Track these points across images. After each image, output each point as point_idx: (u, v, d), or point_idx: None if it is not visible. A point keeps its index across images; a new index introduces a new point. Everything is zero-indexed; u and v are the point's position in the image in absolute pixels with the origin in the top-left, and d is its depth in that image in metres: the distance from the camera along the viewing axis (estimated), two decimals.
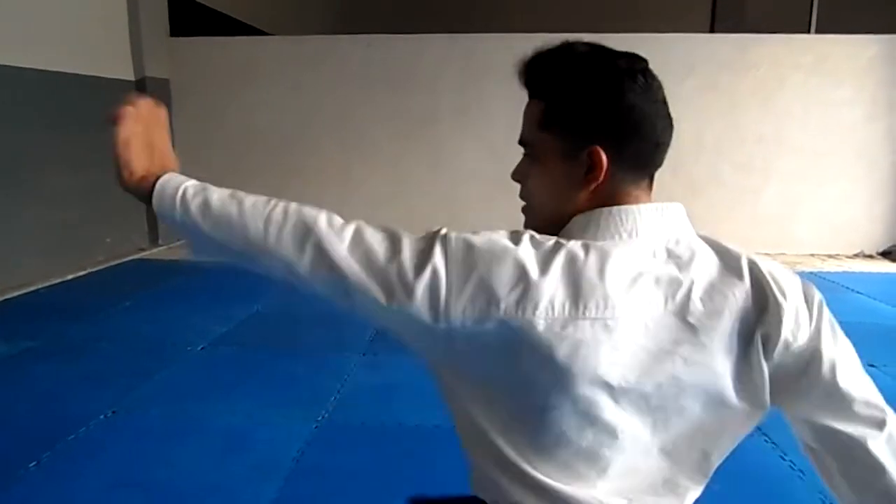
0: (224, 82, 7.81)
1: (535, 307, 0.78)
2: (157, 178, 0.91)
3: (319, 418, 3.12)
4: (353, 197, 7.95)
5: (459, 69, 7.75)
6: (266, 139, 7.79)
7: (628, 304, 0.80)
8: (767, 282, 0.85)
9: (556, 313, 0.78)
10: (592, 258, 0.81)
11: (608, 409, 0.82)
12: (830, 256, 7.54)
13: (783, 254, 7.52)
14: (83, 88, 6.31)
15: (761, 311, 0.83)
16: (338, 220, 0.87)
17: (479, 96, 7.72)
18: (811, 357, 0.85)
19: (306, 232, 0.84)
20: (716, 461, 0.90)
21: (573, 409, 0.81)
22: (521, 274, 0.79)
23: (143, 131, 0.96)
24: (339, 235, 0.84)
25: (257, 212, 0.86)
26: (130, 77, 7.13)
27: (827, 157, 7.58)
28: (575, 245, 0.82)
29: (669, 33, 7.56)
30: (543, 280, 0.79)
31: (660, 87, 0.89)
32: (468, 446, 0.91)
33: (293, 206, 0.87)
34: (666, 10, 12.23)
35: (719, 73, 7.54)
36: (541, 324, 0.78)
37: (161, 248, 7.35)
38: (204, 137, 7.62)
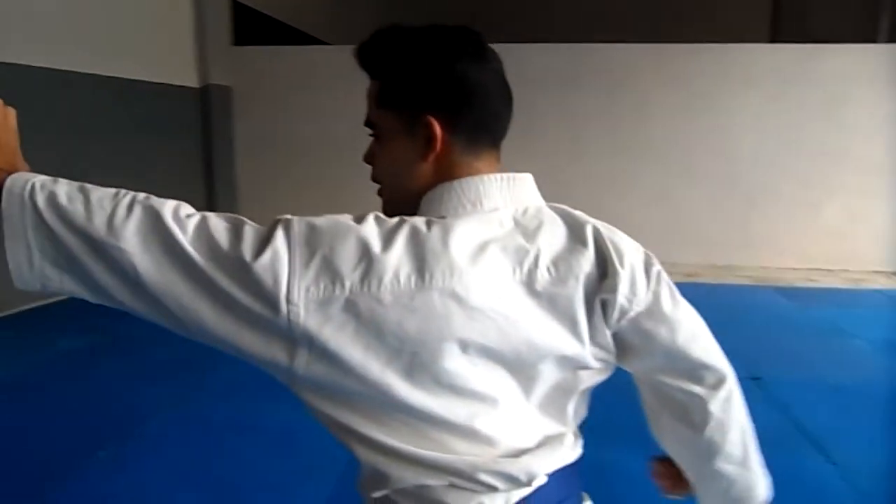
0: (282, 90, 8.00)
1: (380, 281, 0.76)
2: (7, 175, 0.81)
3: None
4: None
5: (509, 79, 7.76)
6: (320, 146, 7.87)
7: (476, 274, 0.79)
8: (609, 249, 0.86)
9: (402, 286, 0.76)
10: (436, 230, 0.80)
11: (474, 379, 0.82)
12: (895, 274, 7.28)
13: (846, 270, 7.30)
14: (151, 95, 6.57)
15: (602, 277, 0.85)
16: (185, 210, 0.82)
17: (530, 107, 7.72)
18: (650, 321, 0.89)
19: (152, 222, 0.78)
20: (576, 410, 0.95)
21: (438, 385, 0.80)
22: (365, 250, 0.77)
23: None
24: (183, 225, 0.78)
25: (104, 203, 0.79)
26: (195, 84, 7.39)
27: (892, 173, 7.33)
28: (419, 220, 0.81)
29: (728, 43, 7.44)
30: (387, 254, 0.77)
31: (495, 58, 0.90)
32: (352, 448, 0.86)
33: (141, 196, 0.82)
34: (724, 19, 12.01)
35: (780, 84, 7.37)
36: (387, 298, 0.76)
37: None
38: (263, 143, 7.82)
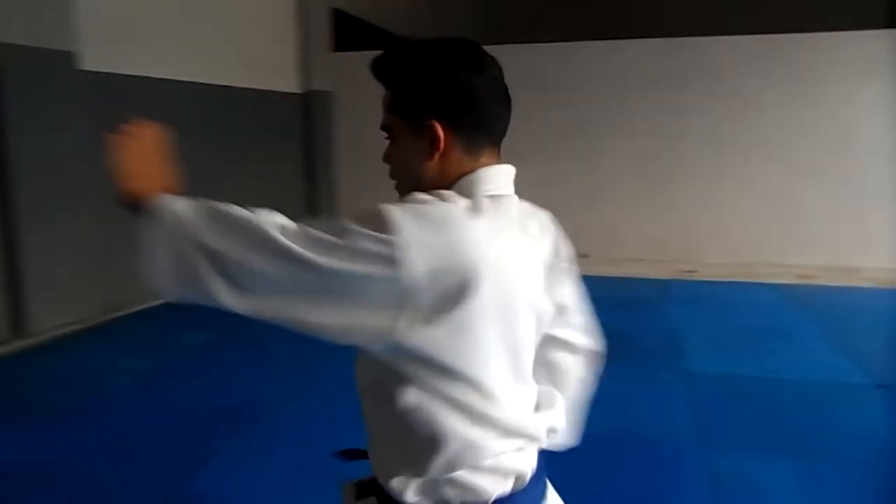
0: (379, 94, 8.16)
1: (481, 247, 0.87)
2: (156, 194, 0.97)
3: None
4: None
5: (609, 77, 7.61)
6: None
7: (519, 243, 0.96)
8: (558, 234, 1.10)
9: (493, 251, 0.88)
10: (492, 204, 0.95)
11: (532, 334, 1.00)
12: None
13: None
14: (257, 102, 6.87)
15: (556, 253, 1.08)
16: (288, 222, 0.90)
17: (630, 105, 7.54)
18: (571, 287, 1.16)
19: (262, 236, 0.87)
20: None
21: (518, 337, 0.96)
22: (463, 223, 0.88)
23: (143, 153, 1.03)
24: (291, 235, 0.86)
25: (226, 222, 0.91)
26: (297, 90, 7.66)
27: None
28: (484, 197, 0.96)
29: (842, 31, 7.01)
30: (478, 222, 0.90)
31: (493, 66, 0.99)
32: (442, 426, 0.92)
33: (254, 216, 0.92)
34: (836, 4, 11.31)
35: None
36: (492, 259, 0.88)
37: None
38: (362, 146, 8.00)
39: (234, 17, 6.56)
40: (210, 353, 4.35)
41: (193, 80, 6.03)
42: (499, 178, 1.00)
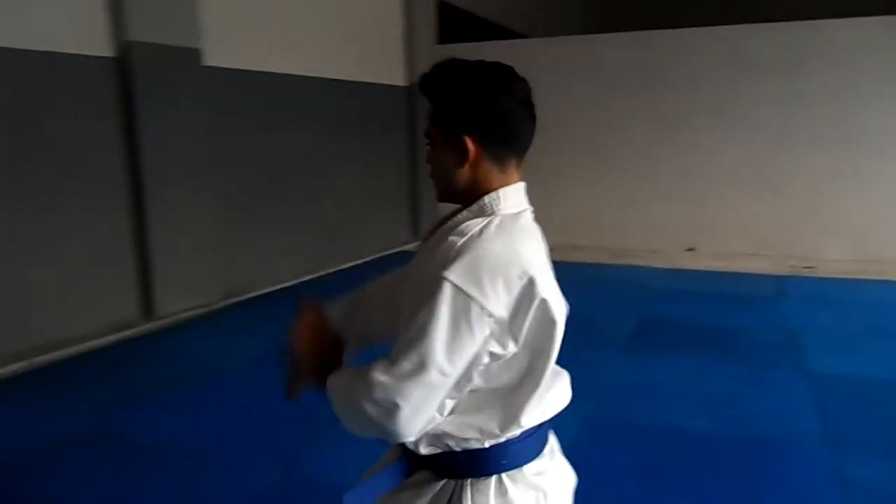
0: None
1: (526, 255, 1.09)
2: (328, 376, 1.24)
3: (584, 415, 3.10)
4: (593, 200, 7.90)
5: (721, 65, 7.29)
6: None
7: (540, 251, 1.15)
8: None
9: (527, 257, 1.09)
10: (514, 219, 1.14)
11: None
12: None
13: None
14: (364, 95, 7.04)
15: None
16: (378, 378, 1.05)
17: (743, 94, 7.19)
18: None
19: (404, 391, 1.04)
20: None
21: (554, 352, 1.12)
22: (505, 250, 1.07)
23: (313, 342, 1.31)
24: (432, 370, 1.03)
25: (364, 384, 1.09)
26: (403, 83, 7.78)
27: None
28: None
29: None
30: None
31: (522, 88, 1.14)
32: (470, 411, 1.11)
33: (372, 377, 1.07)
34: None
35: None
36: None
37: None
38: None
39: (344, 12, 6.72)
40: None
41: (305, 73, 6.24)
42: (517, 195, 1.16)
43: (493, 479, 1.13)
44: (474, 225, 1.09)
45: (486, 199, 1.13)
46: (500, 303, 1.02)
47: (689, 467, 2.75)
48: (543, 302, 1.06)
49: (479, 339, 1.02)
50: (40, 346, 4.08)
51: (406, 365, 1.02)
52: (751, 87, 7.15)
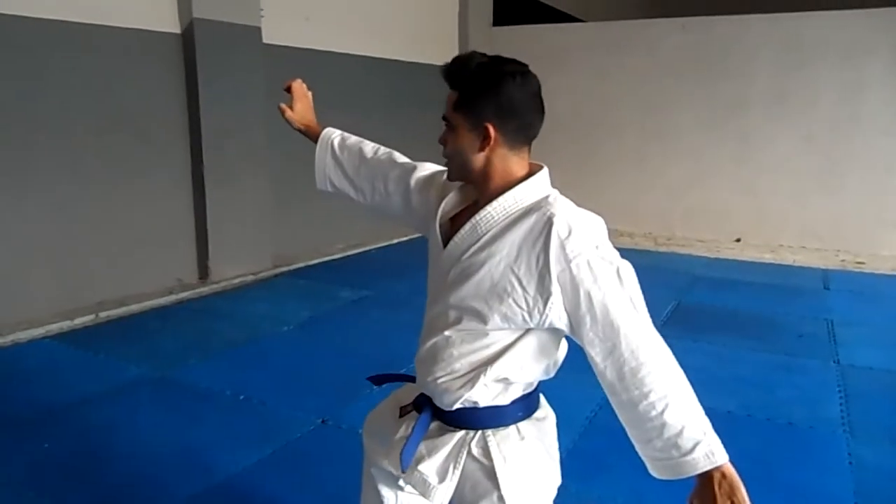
0: (536, 68, 8.16)
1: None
2: (322, 127, 1.71)
3: None
4: (650, 184, 7.86)
5: (778, 52, 7.15)
6: (568, 124, 7.92)
7: None
8: None
9: None
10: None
11: None
12: None
13: None
14: (419, 75, 7.17)
15: None
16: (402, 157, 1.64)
17: (800, 81, 7.05)
18: None
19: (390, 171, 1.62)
20: None
21: None
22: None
23: (304, 100, 1.75)
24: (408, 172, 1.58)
25: (373, 156, 1.63)
26: None
27: None
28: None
29: None
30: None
31: (534, 83, 1.28)
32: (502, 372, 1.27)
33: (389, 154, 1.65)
34: None
35: None
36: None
37: None
38: None
39: None
40: (361, 307, 4.73)
41: (360, 53, 6.42)
42: (546, 180, 1.31)
43: (512, 427, 1.31)
44: (550, 204, 1.24)
45: (534, 179, 1.28)
46: None
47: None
48: None
49: None
50: (108, 301, 4.43)
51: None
52: (808, 75, 7.01)
